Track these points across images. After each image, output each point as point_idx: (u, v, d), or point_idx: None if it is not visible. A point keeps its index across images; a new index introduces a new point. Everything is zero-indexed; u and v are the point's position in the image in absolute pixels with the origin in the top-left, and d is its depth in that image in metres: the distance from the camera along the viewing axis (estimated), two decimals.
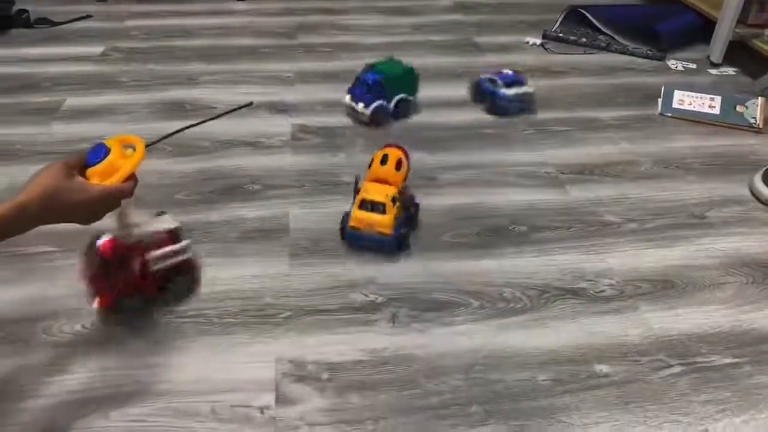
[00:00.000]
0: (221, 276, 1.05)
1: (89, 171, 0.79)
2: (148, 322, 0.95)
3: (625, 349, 0.95)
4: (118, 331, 0.94)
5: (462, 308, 1.01)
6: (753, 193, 1.32)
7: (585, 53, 1.99)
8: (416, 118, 1.57)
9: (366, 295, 1.02)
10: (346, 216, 1.11)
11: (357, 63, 1.60)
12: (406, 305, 1.01)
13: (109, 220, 0.85)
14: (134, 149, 0.82)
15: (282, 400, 0.85)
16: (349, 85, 1.54)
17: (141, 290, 0.95)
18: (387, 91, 1.50)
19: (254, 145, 1.42)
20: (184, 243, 0.99)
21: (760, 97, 1.60)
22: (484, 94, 1.59)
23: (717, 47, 1.89)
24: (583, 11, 2.10)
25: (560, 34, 2.06)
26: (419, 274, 1.07)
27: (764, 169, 1.33)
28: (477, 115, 1.58)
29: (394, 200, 1.09)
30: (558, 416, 0.84)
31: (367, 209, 1.09)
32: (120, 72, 1.74)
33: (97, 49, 1.88)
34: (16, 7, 2.03)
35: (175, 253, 0.97)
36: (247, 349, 0.92)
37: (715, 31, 1.89)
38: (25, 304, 0.98)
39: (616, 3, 2.23)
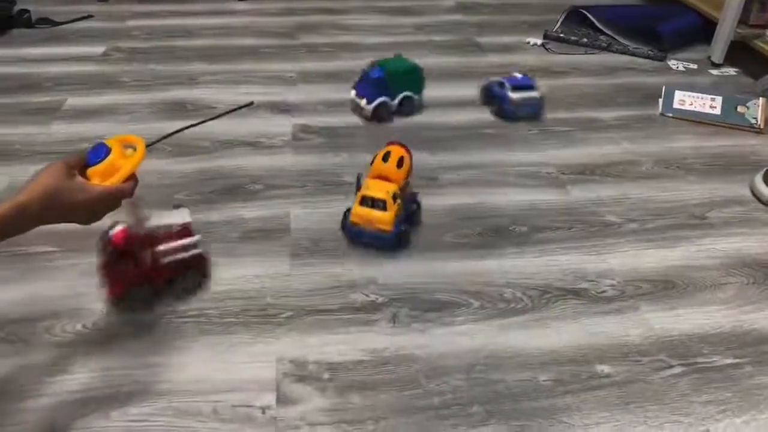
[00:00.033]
0: (222, 276, 1.05)
1: (90, 171, 0.79)
2: (150, 321, 0.95)
3: (626, 349, 0.94)
4: (118, 331, 0.94)
5: (463, 308, 1.01)
6: (754, 194, 1.32)
7: (586, 53, 1.99)
8: (418, 118, 1.57)
9: (367, 295, 1.02)
10: (348, 212, 1.12)
11: (359, 63, 1.61)
12: (407, 305, 1.01)
13: (108, 220, 0.85)
14: (135, 149, 0.82)
15: (283, 400, 0.85)
16: (353, 83, 1.54)
17: (150, 281, 0.96)
18: (391, 88, 1.50)
19: (255, 145, 1.42)
20: (195, 237, 0.99)
21: (761, 98, 1.60)
22: (492, 98, 1.58)
23: (718, 47, 1.89)
24: (584, 12, 2.10)
25: (561, 35, 2.06)
26: (420, 274, 1.07)
27: (765, 169, 1.32)
28: (478, 115, 1.58)
29: (394, 197, 1.09)
30: (559, 416, 0.84)
31: (367, 206, 1.09)
32: (121, 72, 1.74)
33: (99, 49, 1.88)
34: (17, 7, 2.03)
35: (187, 247, 0.98)
36: (248, 349, 0.92)
37: (716, 31, 1.89)
38: (25, 303, 0.98)
39: (617, 3, 2.22)
